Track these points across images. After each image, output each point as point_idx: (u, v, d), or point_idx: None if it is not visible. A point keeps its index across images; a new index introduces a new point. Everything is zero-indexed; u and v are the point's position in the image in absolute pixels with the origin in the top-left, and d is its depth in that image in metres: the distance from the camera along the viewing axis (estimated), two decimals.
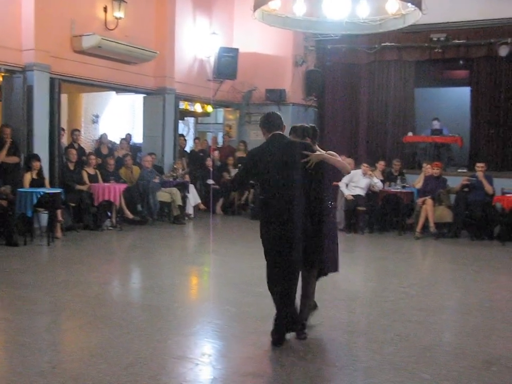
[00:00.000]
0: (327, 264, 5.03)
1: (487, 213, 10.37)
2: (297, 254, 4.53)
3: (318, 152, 4.69)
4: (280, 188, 4.47)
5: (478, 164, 10.86)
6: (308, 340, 4.75)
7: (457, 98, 14.98)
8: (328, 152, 4.92)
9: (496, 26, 12.69)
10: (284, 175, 4.47)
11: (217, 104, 14.77)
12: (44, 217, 9.24)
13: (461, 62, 13.69)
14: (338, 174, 5.00)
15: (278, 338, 4.58)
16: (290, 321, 4.62)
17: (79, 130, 12.45)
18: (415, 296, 6.42)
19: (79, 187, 10.21)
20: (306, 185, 4.61)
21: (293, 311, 4.64)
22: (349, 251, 9.52)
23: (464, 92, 14.03)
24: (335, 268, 5.13)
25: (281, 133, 4.63)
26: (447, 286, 7.16)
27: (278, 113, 4.76)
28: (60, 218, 9.37)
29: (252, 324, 5.19)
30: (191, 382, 3.93)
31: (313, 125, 5.18)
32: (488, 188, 10.43)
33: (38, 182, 9.25)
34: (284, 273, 4.55)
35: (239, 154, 14.09)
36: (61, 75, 10.17)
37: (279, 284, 4.56)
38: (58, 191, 9.20)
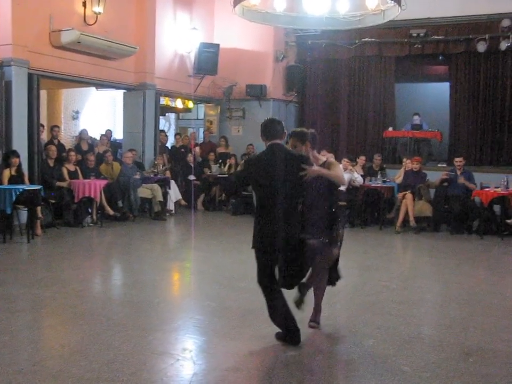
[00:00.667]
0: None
1: (466, 207, 10.49)
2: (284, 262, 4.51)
3: (314, 167, 4.64)
4: (276, 199, 4.45)
5: (456, 159, 10.99)
6: None
7: (437, 93, 15.11)
8: (328, 160, 4.98)
9: (475, 22, 12.84)
10: (280, 187, 4.45)
11: (198, 100, 14.73)
12: (24, 214, 9.16)
13: (440, 57, 13.81)
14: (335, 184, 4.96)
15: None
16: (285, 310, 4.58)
17: (58, 127, 12.34)
18: (395, 290, 6.49)
19: (59, 184, 10.13)
20: (310, 195, 4.73)
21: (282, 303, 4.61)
22: None
23: (444, 87, 14.16)
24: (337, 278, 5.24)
25: (279, 142, 4.60)
26: (427, 280, 7.23)
27: (278, 120, 4.77)
28: (39, 215, 9.29)
29: (233, 319, 5.20)
30: (172, 378, 3.94)
31: (312, 130, 5.10)
32: (471, 186, 10.56)
33: (17, 178, 9.14)
34: (270, 279, 4.56)
35: (220, 149, 14.09)
36: (39, 70, 10.06)
37: (266, 285, 4.59)
38: (38, 187, 9.12)
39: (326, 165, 4.90)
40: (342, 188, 11.01)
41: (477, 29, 12.81)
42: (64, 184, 10.19)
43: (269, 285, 4.56)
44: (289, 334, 4.52)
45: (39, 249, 8.66)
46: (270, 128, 4.65)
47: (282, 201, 4.44)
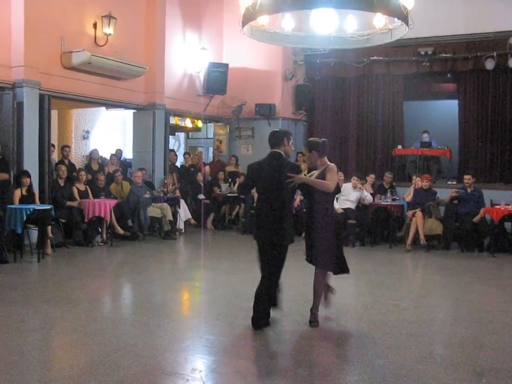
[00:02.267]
0: (324, 262, 5.52)
1: (476, 225, 10.43)
2: (278, 253, 5.37)
3: (301, 175, 5.42)
4: (269, 200, 5.35)
5: (466, 176, 10.94)
6: (298, 354, 4.75)
7: (446, 111, 15.10)
8: (328, 165, 5.54)
9: (482, 40, 12.87)
10: (272, 190, 5.32)
11: (207, 119, 14.83)
12: (34, 233, 9.21)
13: (449, 75, 13.85)
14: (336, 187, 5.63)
15: (254, 318, 5.38)
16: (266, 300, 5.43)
17: (69, 146, 12.42)
18: (405, 309, 6.43)
19: (69, 203, 10.18)
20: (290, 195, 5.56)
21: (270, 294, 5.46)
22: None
23: (452, 105, 14.16)
24: (337, 269, 5.64)
25: (278, 151, 5.42)
26: (438, 298, 7.18)
27: (282, 130, 5.78)
28: (50, 234, 9.33)
29: (243, 339, 5.17)
30: None
31: (324, 139, 5.72)
32: None
33: (27, 198, 9.21)
34: (267, 267, 5.40)
35: (230, 168, 14.12)
36: (50, 91, 10.19)
37: (264, 272, 5.42)
38: (48, 207, 9.17)
39: (327, 170, 5.52)
40: (351, 206, 11.02)
41: (485, 47, 12.83)
42: (74, 204, 10.24)
43: (261, 271, 5.44)
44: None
45: (49, 269, 8.68)
46: (270, 138, 5.52)
47: (275, 200, 5.29)
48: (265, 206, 5.34)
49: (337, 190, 5.75)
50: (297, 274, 7.07)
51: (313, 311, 5.58)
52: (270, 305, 5.49)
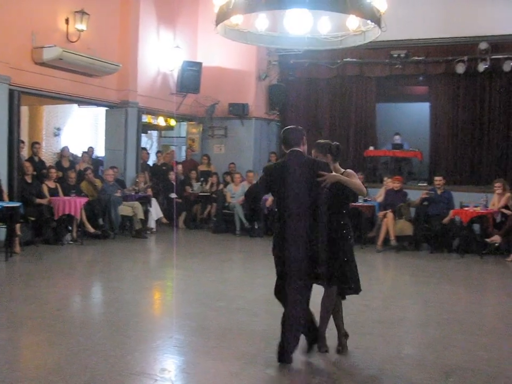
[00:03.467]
0: (344, 283, 4.94)
1: (446, 226, 10.56)
2: (305, 271, 4.44)
3: (334, 173, 4.64)
4: (297, 204, 4.42)
5: (436, 178, 11.10)
6: (267, 354, 4.74)
7: (417, 113, 15.27)
8: (346, 171, 4.92)
9: (454, 44, 13.07)
10: (301, 192, 4.42)
11: (180, 118, 14.75)
12: (2, 231, 9.04)
13: (421, 78, 13.99)
14: (354, 195, 4.98)
15: (281, 353, 4.50)
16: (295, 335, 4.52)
17: (39, 143, 12.25)
18: (375, 309, 6.49)
19: (39, 201, 10.02)
20: (324, 202, 4.60)
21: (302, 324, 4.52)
22: None
23: (424, 107, 14.32)
24: (354, 290, 5.03)
25: (300, 149, 4.58)
26: (408, 299, 7.25)
27: (297, 128, 4.77)
28: (18, 232, 9.17)
29: (213, 339, 5.15)
30: None
31: (337, 143, 5.10)
32: None
33: None
34: (290, 288, 4.44)
35: (202, 168, 14.08)
36: (21, 87, 10.01)
37: (285, 298, 4.48)
38: (17, 204, 9.01)
39: (344, 175, 4.84)
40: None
41: (456, 51, 13.02)
42: (44, 201, 10.08)
43: (284, 296, 4.48)
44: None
45: (17, 267, 8.53)
46: (290, 136, 4.66)
47: (302, 208, 4.39)
48: (290, 212, 4.40)
49: (356, 196, 5.18)
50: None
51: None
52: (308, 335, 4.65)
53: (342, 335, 4.92)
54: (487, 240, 10.12)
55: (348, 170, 4.98)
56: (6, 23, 9.46)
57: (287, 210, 4.42)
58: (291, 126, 4.85)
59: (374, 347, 5.04)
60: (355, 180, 4.82)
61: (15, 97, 9.85)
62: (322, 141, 5.11)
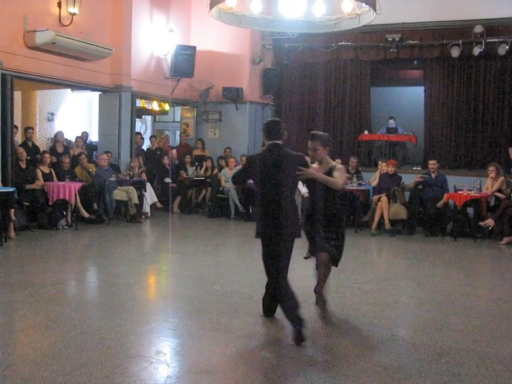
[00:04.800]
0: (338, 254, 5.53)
1: (440, 210, 10.61)
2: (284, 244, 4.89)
3: (311, 170, 5.15)
4: (274, 193, 4.85)
5: (430, 162, 11.13)
6: (262, 336, 4.79)
7: (412, 97, 15.30)
8: (337, 166, 5.47)
9: (449, 28, 13.04)
10: (280, 182, 4.84)
11: (174, 102, 14.71)
12: None
13: (415, 62, 13.99)
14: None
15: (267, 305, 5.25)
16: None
17: (32, 128, 12.19)
18: (369, 292, 6.53)
19: (29, 186, 9.97)
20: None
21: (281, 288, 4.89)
22: (305, 248, 9.60)
23: (419, 91, 14.34)
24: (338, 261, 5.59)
25: (280, 142, 4.92)
26: (401, 282, 7.29)
27: (279, 120, 5.17)
28: (13, 217, 9.17)
29: (208, 322, 5.19)
30: (145, 381, 3.91)
31: (327, 134, 5.54)
32: None
33: None
34: (273, 260, 4.89)
35: (197, 152, 14.07)
36: (13, 71, 9.96)
37: (271, 266, 4.92)
38: (11, 190, 8.99)
39: (334, 169, 5.38)
40: (299, 186, 11.06)
41: (451, 35, 13.00)
42: (35, 186, 10.02)
43: (274, 273, 4.89)
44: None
45: (12, 252, 8.53)
46: (272, 129, 4.97)
47: (282, 195, 4.85)
48: (271, 200, 4.83)
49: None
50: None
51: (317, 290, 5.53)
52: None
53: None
54: (481, 223, 10.17)
55: (340, 165, 5.51)
56: None
57: (268, 197, 4.88)
58: (273, 119, 5.27)
59: (367, 329, 5.09)
60: (339, 174, 5.36)
61: (7, 82, 9.80)
62: (320, 132, 5.50)
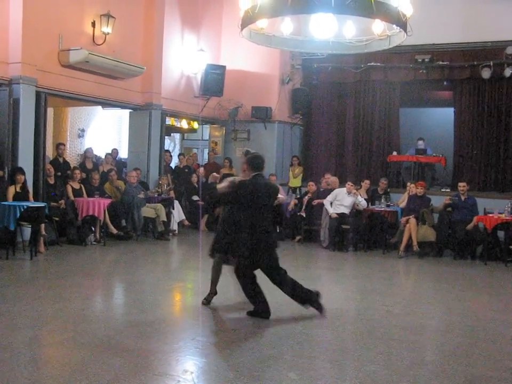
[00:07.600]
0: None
1: (470, 233, 10.45)
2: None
3: (281, 196, 6.64)
4: (262, 213, 5.93)
5: (460, 184, 10.99)
6: (290, 358, 4.74)
7: (441, 118, 15.15)
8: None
9: (479, 49, 12.95)
10: (263, 206, 5.93)
11: (203, 121, 14.82)
12: (27, 231, 9.17)
13: (445, 83, 13.89)
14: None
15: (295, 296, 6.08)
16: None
17: (64, 144, 12.38)
18: (398, 315, 6.44)
19: (54, 204, 10.07)
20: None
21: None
22: (333, 269, 9.55)
23: (448, 113, 14.20)
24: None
25: (262, 173, 6.02)
26: (430, 305, 7.18)
27: (260, 155, 6.16)
28: (43, 232, 9.29)
29: (235, 341, 5.16)
30: None
31: (254, 152, 6.34)
32: None
33: (21, 195, 9.18)
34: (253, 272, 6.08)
35: (224, 171, 14.10)
36: (47, 89, 10.17)
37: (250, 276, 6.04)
38: (42, 205, 9.13)
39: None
40: (346, 211, 11.02)
41: (482, 56, 12.90)
42: (59, 205, 10.13)
43: (252, 276, 6.04)
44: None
45: (41, 267, 8.64)
46: (256, 163, 5.99)
47: (264, 217, 5.91)
48: (260, 225, 5.84)
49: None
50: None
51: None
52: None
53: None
54: None
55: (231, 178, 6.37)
56: (34, 26, 9.61)
57: (254, 217, 5.85)
58: (256, 153, 6.16)
59: (396, 353, 5.01)
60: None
61: (41, 99, 10.00)
62: (252, 153, 6.22)
